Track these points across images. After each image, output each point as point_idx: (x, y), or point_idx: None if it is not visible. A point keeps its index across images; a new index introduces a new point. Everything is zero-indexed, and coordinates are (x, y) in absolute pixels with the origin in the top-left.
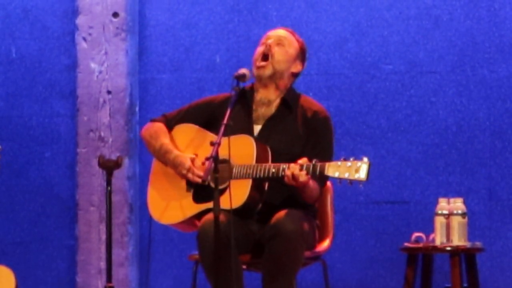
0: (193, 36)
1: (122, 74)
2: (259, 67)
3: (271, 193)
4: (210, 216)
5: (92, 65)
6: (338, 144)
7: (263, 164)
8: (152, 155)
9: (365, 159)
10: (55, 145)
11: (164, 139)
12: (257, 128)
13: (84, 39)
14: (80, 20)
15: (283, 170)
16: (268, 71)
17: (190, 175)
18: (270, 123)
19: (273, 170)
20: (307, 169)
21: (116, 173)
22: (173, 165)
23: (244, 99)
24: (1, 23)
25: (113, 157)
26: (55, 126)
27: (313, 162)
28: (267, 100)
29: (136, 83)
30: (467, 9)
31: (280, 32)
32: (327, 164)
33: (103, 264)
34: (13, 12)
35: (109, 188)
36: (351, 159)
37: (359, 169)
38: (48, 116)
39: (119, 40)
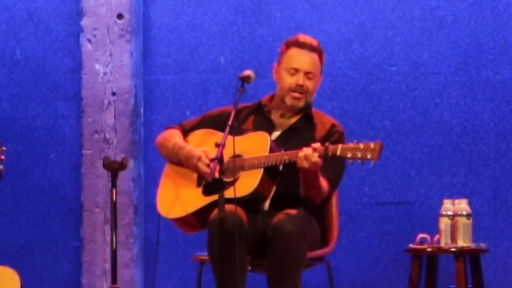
0: (198, 38)
1: (127, 75)
2: (295, 98)
3: (280, 193)
4: (227, 207)
5: (97, 66)
6: None
7: (276, 153)
8: (166, 158)
9: (378, 140)
10: (60, 146)
11: (177, 139)
12: (276, 135)
13: (89, 40)
14: (85, 22)
15: (296, 154)
16: (302, 103)
17: (200, 164)
18: (288, 131)
19: (285, 157)
20: (320, 151)
21: (121, 174)
22: (185, 158)
23: (261, 111)
24: (5, 25)
25: (118, 158)
26: (60, 128)
27: (326, 145)
28: (288, 116)
29: (141, 85)
30: (471, 11)
31: (307, 61)
32: (340, 145)
33: (108, 266)
34: (17, 14)
35: (114, 189)
36: (364, 141)
37: (372, 149)
38: (53, 117)
39: (123, 42)
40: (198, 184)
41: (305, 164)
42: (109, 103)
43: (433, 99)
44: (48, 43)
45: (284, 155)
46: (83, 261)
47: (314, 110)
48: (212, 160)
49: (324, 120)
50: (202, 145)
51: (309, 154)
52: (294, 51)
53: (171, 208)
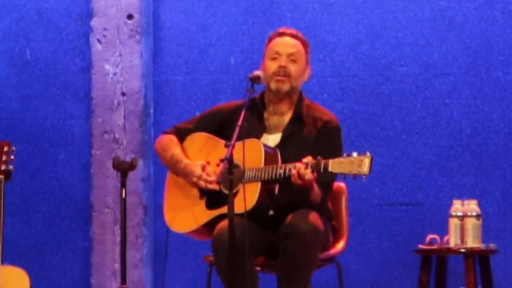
0: (208, 38)
1: (137, 76)
2: (279, 81)
3: (282, 196)
4: (224, 223)
5: (107, 67)
6: (352, 146)
7: (271, 166)
8: (165, 166)
9: (368, 153)
10: (70, 146)
11: (174, 150)
12: (269, 137)
13: (99, 41)
14: (95, 22)
15: (289, 170)
16: (286, 87)
17: (201, 182)
18: (285, 139)
19: (280, 171)
20: (312, 166)
21: (131, 175)
22: (184, 174)
23: (254, 108)
24: (15, 25)
25: (128, 159)
26: (70, 128)
27: (318, 159)
28: (280, 112)
29: (151, 85)
30: (482, 11)
31: (289, 44)
32: (330, 160)
33: (117, 266)
34: (27, 14)
35: (123, 190)
36: (354, 154)
37: (362, 164)
38: (63, 118)
39: (133, 42)
40: (201, 197)
41: (299, 182)
42: (118, 103)
43: (443, 100)
44: (58, 43)
45: (278, 169)
46: (92, 261)
47: (306, 103)
48: (221, 160)
49: (316, 115)
50: (203, 154)
51: (302, 172)
52: (275, 40)
53: (176, 222)
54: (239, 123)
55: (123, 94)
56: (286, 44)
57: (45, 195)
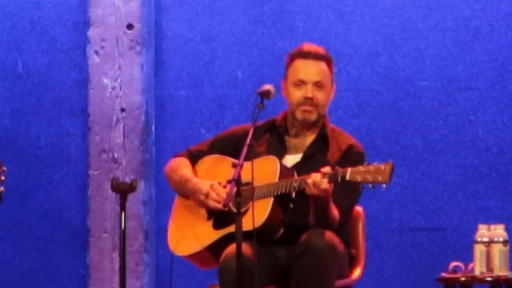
0: (214, 50)
1: (137, 90)
2: (305, 111)
3: (295, 214)
4: (232, 248)
5: (105, 80)
6: None
7: (285, 180)
8: (174, 190)
9: (389, 161)
10: (65, 166)
11: (184, 170)
12: (289, 158)
13: (96, 52)
14: (92, 32)
15: (305, 181)
16: (314, 117)
17: (208, 201)
18: (305, 158)
19: (295, 185)
20: (329, 176)
21: (131, 197)
22: (192, 193)
23: (275, 130)
24: (7, 35)
25: (127, 180)
26: (65, 146)
27: (335, 168)
28: (302, 134)
29: (152, 100)
30: (509, 20)
31: (314, 71)
32: (349, 169)
33: None
34: (20, 23)
35: (123, 213)
36: (375, 163)
37: (382, 171)
38: (57, 135)
39: (134, 54)
40: (209, 218)
41: (314, 191)
42: (117, 120)
43: (467, 116)
44: (53, 54)
45: (293, 182)
46: None
47: (331, 127)
48: (229, 181)
49: (341, 140)
50: (211, 173)
51: (317, 180)
52: (298, 63)
53: (180, 244)
54: (247, 141)
55: (123, 110)
56: (312, 70)
57: (39, 219)
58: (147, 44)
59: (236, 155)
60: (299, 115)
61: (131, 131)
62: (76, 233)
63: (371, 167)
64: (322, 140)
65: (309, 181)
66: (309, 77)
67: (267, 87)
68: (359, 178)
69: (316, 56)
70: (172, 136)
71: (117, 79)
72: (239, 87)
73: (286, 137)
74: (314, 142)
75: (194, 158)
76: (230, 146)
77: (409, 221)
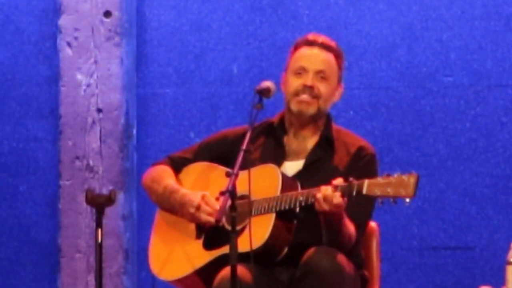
0: (205, 41)
1: (116, 88)
2: (302, 102)
3: (302, 232)
4: (226, 272)
5: (79, 76)
6: None
7: (289, 193)
8: (156, 203)
9: (413, 172)
10: (32, 176)
11: (168, 180)
12: (289, 165)
13: (69, 44)
14: (64, 21)
15: (313, 196)
16: (312, 110)
17: (200, 215)
18: (308, 165)
19: (301, 198)
20: (342, 189)
21: (108, 211)
22: (180, 205)
23: (272, 132)
24: None
25: (105, 191)
26: (32, 153)
27: (349, 180)
28: (302, 136)
29: (134, 100)
30: None
31: (319, 58)
32: (366, 181)
33: None
34: None
35: (99, 230)
36: (396, 174)
37: (405, 184)
38: (23, 140)
39: (112, 46)
40: (198, 236)
41: (325, 207)
42: (93, 122)
43: (498, 118)
44: (18, 47)
45: (299, 195)
46: None
47: (335, 128)
48: (222, 193)
49: (348, 141)
50: (201, 184)
51: (328, 194)
52: (302, 50)
53: (168, 267)
54: (244, 146)
55: (99, 110)
56: (316, 58)
57: (2, 237)
58: (127, 35)
59: (226, 163)
60: (294, 106)
61: (109, 135)
62: (45, 253)
63: (391, 179)
64: (327, 143)
65: (319, 195)
66: (312, 64)
67: (267, 84)
68: (378, 192)
69: (323, 45)
70: (156, 141)
71: (93, 75)
72: (234, 84)
73: (285, 141)
74: (317, 145)
75: (178, 166)
76: (219, 153)
77: (431, 239)
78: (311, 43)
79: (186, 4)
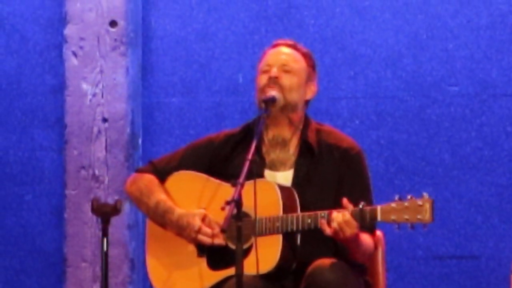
0: (210, 50)
1: (122, 97)
2: (267, 90)
3: (306, 245)
4: (233, 282)
5: (84, 86)
6: (391, 185)
7: (294, 215)
8: (145, 215)
9: (426, 196)
10: (38, 185)
11: (159, 195)
12: (275, 175)
13: (74, 53)
14: (69, 31)
15: (322, 219)
16: (279, 103)
17: (203, 238)
18: (300, 174)
19: (309, 221)
20: (354, 216)
21: (114, 220)
22: (178, 228)
23: (248, 138)
24: None
25: (110, 200)
26: (38, 162)
27: (361, 205)
28: (281, 139)
29: (139, 109)
30: None
31: (282, 53)
32: (378, 207)
33: None
34: None
35: (105, 239)
36: (408, 197)
37: (421, 209)
38: (29, 149)
39: (117, 55)
40: (200, 254)
41: (340, 236)
42: (99, 131)
43: (504, 127)
44: (24, 56)
45: (306, 218)
46: None
47: (316, 127)
48: (228, 202)
49: (331, 142)
50: (192, 198)
51: (341, 222)
52: (268, 51)
53: (173, 285)
54: (249, 156)
55: (105, 120)
56: (279, 53)
57: (7, 246)
58: (133, 44)
59: (211, 169)
60: (262, 97)
61: (115, 144)
62: (51, 263)
63: (406, 204)
64: (308, 150)
65: (336, 225)
66: (276, 60)
67: (272, 93)
68: (393, 217)
69: (288, 45)
70: (161, 150)
71: (98, 84)
72: (239, 94)
73: (264, 148)
74: (300, 154)
75: (162, 174)
76: (204, 159)
77: (436, 248)
78: (276, 45)
79: (191, 13)
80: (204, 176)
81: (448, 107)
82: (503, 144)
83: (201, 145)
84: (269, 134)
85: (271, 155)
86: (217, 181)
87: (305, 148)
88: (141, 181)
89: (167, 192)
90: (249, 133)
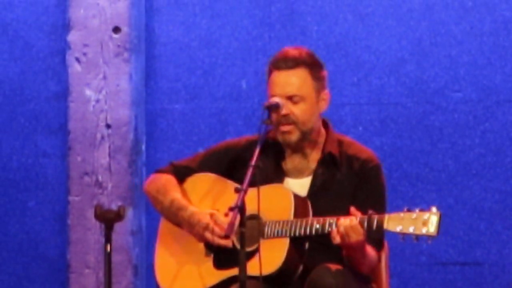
0: (214, 57)
1: (125, 103)
2: (284, 133)
3: (313, 252)
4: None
5: (88, 92)
6: (394, 192)
7: (304, 219)
8: (161, 213)
9: (434, 209)
10: (41, 192)
11: (175, 194)
12: (294, 182)
13: (78, 60)
14: (73, 37)
15: (330, 225)
16: (295, 137)
17: (208, 235)
18: (317, 182)
19: (317, 226)
20: (362, 222)
21: (117, 226)
22: (189, 225)
23: (269, 147)
24: None
25: (114, 207)
26: (41, 169)
27: (369, 213)
28: (302, 153)
29: (142, 115)
30: None
31: (286, 83)
32: (386, 216)
33: None
34: None
35: (108, 245)
36: (417, 210)
37: (427, 222)
38: (32, 156)
39: (121, 62)
40: (208, 254)
41: (345, 242)
42: (102, 137)
43: (507, 134)
44: (27, 63)
45: (314, 223)
46: None
47: (337, 139)
48: (231, 209)
49: (351, 153)
50: (208, 199)
51: (347, 227)
52: (273, 76)
53: (178, 283)
54: (253, 162)
55: (108, 126)
56: (283, 84)
57: (11, 252)
58: (136, 50)
59: (230, 174)
60: (279, 137)
61: (118, 150)
62: (54, 269)
63: (413, 215)
64: (330, 160)
65: (341, 229)
66: (281, 90)
67: (276, 99)
68: (400, 228)
69: (290, 63)
70: (165, 156)
71: (102, 90)
72: (243, 100)
73: (286, 156)
74: (320, 163)
75: (181, 175)
76: (223, 162)
77: (440, 255)
78: (278, 65)
79: (195, 19)
80: (222, 179)
81: (452, 114)
82: (506, 150)
83: (220, 150)
84: (289, 150)
85: (290, 164)
86: (235, 184)
87: (327, 158)
88: (159, 180)
89: (184, 192)
90: (268, 144)
